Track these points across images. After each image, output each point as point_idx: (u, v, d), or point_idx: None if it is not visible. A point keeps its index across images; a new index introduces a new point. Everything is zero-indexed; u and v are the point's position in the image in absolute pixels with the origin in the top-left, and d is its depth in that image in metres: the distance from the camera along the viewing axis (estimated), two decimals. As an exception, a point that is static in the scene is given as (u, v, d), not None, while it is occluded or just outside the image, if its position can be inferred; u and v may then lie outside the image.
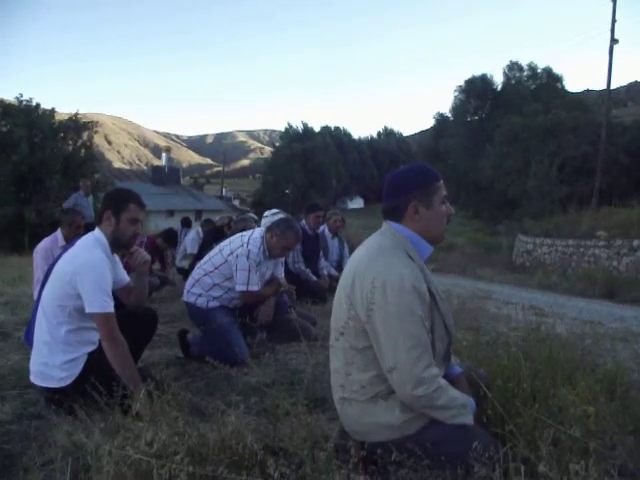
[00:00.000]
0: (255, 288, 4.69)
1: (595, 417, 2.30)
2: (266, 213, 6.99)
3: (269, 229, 4.92)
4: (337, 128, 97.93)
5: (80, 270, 3.13)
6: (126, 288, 3.64)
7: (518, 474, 1.94)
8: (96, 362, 3.16)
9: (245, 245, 4.72)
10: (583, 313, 7.03)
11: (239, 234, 5.00)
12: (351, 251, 3.00)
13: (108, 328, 3.13)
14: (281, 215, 5.95)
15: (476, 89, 51.55)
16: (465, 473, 2.04)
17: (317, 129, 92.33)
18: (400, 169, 2.50)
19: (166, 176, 58.99)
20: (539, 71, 51.32)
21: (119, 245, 3.43)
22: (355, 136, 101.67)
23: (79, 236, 3.53)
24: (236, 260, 4.66)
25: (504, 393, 2.55)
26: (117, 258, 3.57)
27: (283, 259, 5.58)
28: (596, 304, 10.18)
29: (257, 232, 4.93)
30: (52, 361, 3.16)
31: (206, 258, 4.91)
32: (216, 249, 4.91)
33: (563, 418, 2.34)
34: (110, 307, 3.15)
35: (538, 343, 3.59)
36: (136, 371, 3.19)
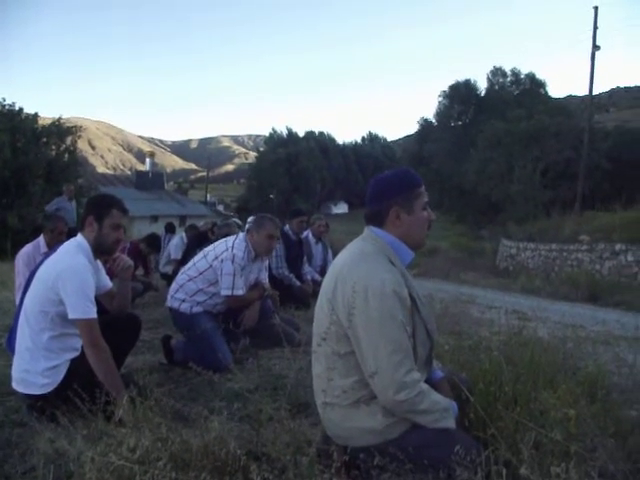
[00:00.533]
0: (240, 292, 4.69)
1: (576, 420, 2.32)
2: (250, 219, 7.00)
3: (248, 230, 4.99)
4: (321, 133, 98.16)
5: (62, 276, 3.11)
6: (109, 294, 3.63)
7: (500, 477, 1.96)
8: (78, 369, 3.14)
9: (230, 249, 4.72)
10: (566, 317, 7.09)
11: (223, 239, 5.01)
12: (335, 256, 3.01)
13: (91, 334, 3.11)
14: None
15: (460, 94, 51.86)
16: (447, 477, 2.05)
17: (301, 134, 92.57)
18: (383, 174, 2.51)
19: (150, 181, 58.80)
20: (522, 77, 51.74)
21: (102, 251, 3.42)
22: (339, 141, 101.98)
23: (61, 242, 3.51)
24: (221, 265, 4.66)
25: (486, 397, 2.56)
26: (100, 264, 3.56)
27: (267, 264, 5.58)
28: (579, 308, 10.25)
29: (241, 236, 4.94)
30: (34, 368, 3.14)
31: (190, 264, 4.90)
32: (200, 254, 4.91)
33: (544, 421, 2.35)
34: (93, 313, 3.14)
35: (520, 347, 3.61)
36: (119, 377, 3.18)
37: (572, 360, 3.90)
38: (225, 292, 4.65)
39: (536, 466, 2.03)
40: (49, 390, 3.10)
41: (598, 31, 28.29)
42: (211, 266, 4.69)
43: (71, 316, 3.09)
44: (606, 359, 4.31)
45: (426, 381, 2.31)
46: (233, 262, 4.65)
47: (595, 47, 28.20)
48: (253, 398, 2.86)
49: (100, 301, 3.48)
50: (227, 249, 4.73)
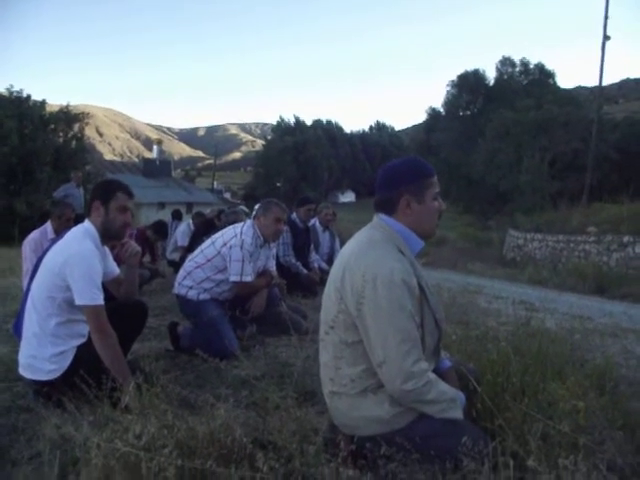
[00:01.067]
0: (249, 279, 4.69)
1: (584, 412, 2.30)
2: (257, 206, 7.00)
3: (255, 216, 4.99)
4: (329, 122, 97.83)
5: (70, 261, 3.11)
6: (116, 280, 3.62)
7: (507, 468, 1.95)
8: (85, 355, 3.15)
9: (239, 235, 4.71)
10: (573, 308, 7.07)
11: (232, 226, 5.00)
12: (342, 245, 2.99)
13: (98, 320, 3.11)
14: None
15: (468, 84, 51.65)
16: (454, 467, 2.04)
17: (309, 122, 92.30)
18: (394, 162, 2.49)
19: (157, 169, 58.83)
20: (531, 67, 51.46)
21: (110, 235, 3.41)
22: (347, 130, 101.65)
23: (69, 228, 3.51)
24: (230, 251, 4.65)
25: (493, 387, 2.55)
26: (107, 250, 3.55)
27: (274, 252, 5.57)
28: (586, 299, 10.21)
29: (248, 223, 4.94)
30: (41, 354, 3.14)
31: (198, 251, 4.89)
32: (208, 241, 4.90)
33: (552, 413, 2.34)
34: (100, 299, 3.13)
35: (528, 338, 3.59)
36: (125, 364, 3.18)
37: (580, 352, 3.89)
38: (234, 278, 4.64)
39: (544, 458, 2.02)
40: (56, 376, 3.10)
41: (609, 21, 28.09)
42: (219, 253, 4.68)
43: (78, 302, 3.09)
44: (614, 351, 4.31)
45: (434, 371, 2.30)
46: (242, 248, 4.64)
47: (606, 37, 27.98)
48: (259, 386, 2.86)
49: (107, 287, 3.48)
50: (235, 235, 4.72)
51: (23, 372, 3.22)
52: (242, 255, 4.63)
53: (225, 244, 4.69)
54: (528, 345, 3.31)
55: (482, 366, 2.82)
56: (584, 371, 3.14)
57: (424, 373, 2.15)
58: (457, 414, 2.21)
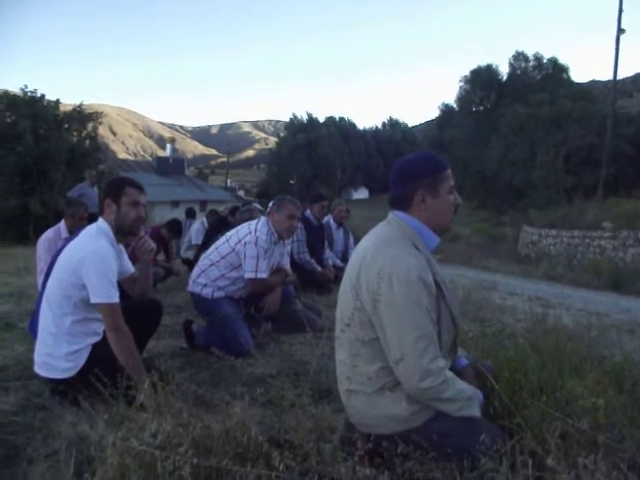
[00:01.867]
0: (263, 275, 4.68)
1: (604, 410, 2.28)
2: (270, 203, 7.00)
3: (268, 213, 4.97)
4: (342, 118, 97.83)
5: (85, 260, 3.11)
6: (131, 278, 3.63)
7: (525, 467, 1.93)
8: (100, 353, 3.15)
9: (253, 232, 4.71)
10: (589, 304, 7.02)
11: (246, 223, 4.99)
12: (356, 242, 2.98)
13: (113, 318, 3.11)
14: None
15: (481, 79, 51.48)
16: (471, 466, 2.02)
17: (322, 119, 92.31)
18: (407, 157, 2.46)
19: (171, 167, 59.06)
20: (545, 61, 51.20)
21: (124, 231, 3.40)
22: (360, 126, 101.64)
23: (83, 227, 3.51)
24: (244, 248, 4.64)
25: (511, 385, 2.53)
26: (122, 248, 3.56)
27: (289, 249, 5.56)
28: (602, 295, 10.15)
29: (263, 220, 4.93)
30: (56, 352, 3.15)
31: (212, 248, 4.89)
32: (223, 239, 4.89)
33: (571, 411, 2.32)
34: (115, 297, 3.14)
35: (544, 334, 3.57)
36: (140, 362, 3.17)
37: (597, 348, 3.86)
38: (249, 275, 4.63)
39: (562, 457, 2.00)
40: (71, 374, 3.11)
41: (623, 14, 27.86)
42: (233, 250, 4.67)
43: (93, 300, 3.09)
44: (632, 348, 4.25)
45: (451, 368, 2.28)
46: (257, 245, 4.63)
47: (620, 30, 27.77)
48: (275, 384, 2.85)
49: (122, 286, 3.49)
50: (250, 232, 4.71)
51: (39, 370, 3.23)
52: (257, 252, 4.62)
53: (239, 241, 4.69)
54: (545, 342, 3.29)
55: (499, 363, 2.79)
56: (602, 368, 3.10)
57: (441, 371, 2.13)
58: (475, 412, 2.19)
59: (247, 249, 4.63)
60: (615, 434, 2.25)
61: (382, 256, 2.20)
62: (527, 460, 1.95)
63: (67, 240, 3.64)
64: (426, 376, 2.10)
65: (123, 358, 3.07)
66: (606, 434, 2.17)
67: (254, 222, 4.91)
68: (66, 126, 25.31)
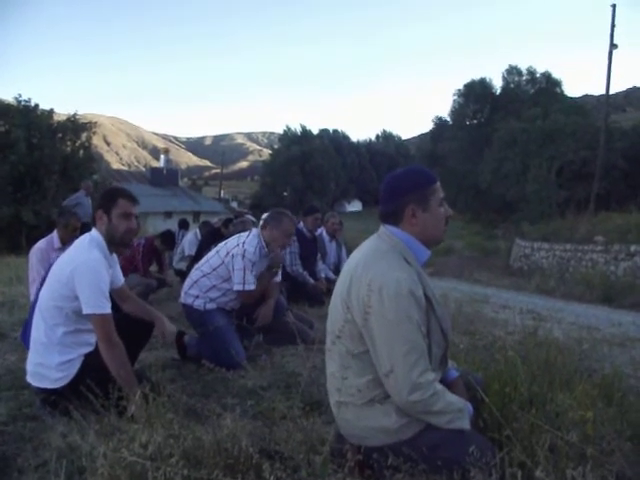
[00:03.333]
0: (251, 287, 4.68)
1: (593, 422, 2.29)
2: (264, 215, 7.01)
3: (263, 226, 4.95)
4: (335, 131, 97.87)
5: (77, 271, 3.11)
6: (120, 291, 3.63)
7: (515, 479, 1.94)
8: (92, 363, 3.15)
9: (241, 245, 4.71)
10: (580, 318, 7.05)
11: (236, 235, 5.00)
12: (349, 254, 2.99)
13: (105, 329, 3.11)
14: None
15: (475, 93, 51.66)
16: (461, 478, 2.03)
17: (315, 132, 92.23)
18: (396, 172, 2.48)
19: (164, 178, 58.94)
20: (538, 75, 51.41)
21: (115, 242, 3.40)
22: (354, 139, 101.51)
23: (75, 237, 3.52)
24: (232, 260, 4.65)
25: (501, 398, 2.54)
26: (115, 258, 3.56)
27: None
28: (593, 309, 10.18)
29: (254, 232, 4.93)
30: (48, 361, 3.14)
31: (204, 260, 4.90)
32: (213, 251, 4.91)
33: (560, 423, 2.33)
34: (107, 308, 3.14)
35: (535, 347, 3.58)
36: (132, 373, 3.18)
37: (588, 362, 3.88)
38: (237, 287, 4.64)
39: (551, 469, 2.02)
40: (63, 384, 3.11)
41: (616, 29, 28.07)
42: (223, 262, 4.69)
43: (85, 311, 3.09)
44: (622, 361, 4.28)
45: (441, 381, 2.29)
46: (244, 257, 4.63)
47: (613, 45, 27.97)
48: (266, 395, 2.87)
49: (112, 296, 3.50)
50: (238, 245, 4.72)
51: (30, 380, 3.23)
52: (243, 264, 4.62)
53: (228, 253, 4.70)
54: (536, 355, 3.30)
55: (489, 376, 2.81)
56: (592, 381, 3.12)
57: (431, 384, 2.14)
58: (464, 424, 2.20)
59: (235, 261, 4.64)
60: (604, 446, 2.26)
61: (373, 269, 2.21)
62: (516, 472, 1.96)
63: (60, 251, 3.65)
64: (416, 389, 2.11)
65: (115, 369, 3.07)
66: (595, 446, 2.18)
67: (244, 234, 4.92)
68: (60, 136, 25.28)
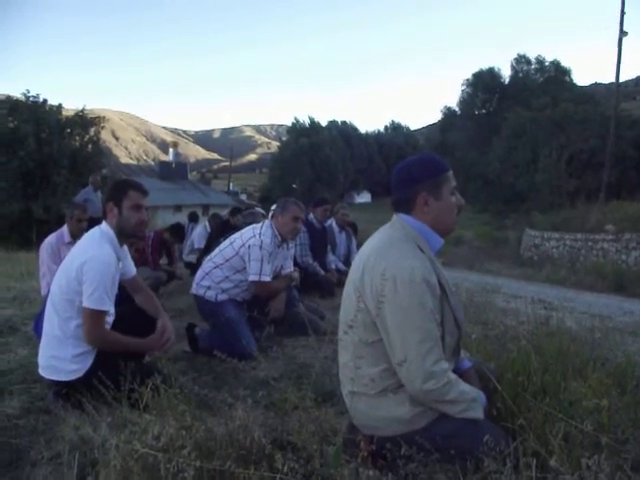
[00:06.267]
0: (267, 278, 4.69)
1: (607, 411, 2.27)
2: (273, 206, 7.00)
3: (272, 216, 5.01)
4: (344, 122, 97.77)
5: (87, 265, 3.11)
6: (132, 281, 3.63)
7: (529, 469, 1.93)
8: (104, 356, 3.16)
9: (258, 236, 4.71)
10: (592, 307, 7.00)
11: (250, 226, 5.00)
12: (359, 246, 2.98)
13: (92, 322, 3.10)
14: None
15: (484, 82, 51.52)
16: (475, 467, 2.02)
17: (324, 123, 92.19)
18: (408, 160, 2.46)
19: (173, 171, 58.98)
20: (547, 64, 51.23)
21: (126, 234, 3.41)
22: (362, 130, 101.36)
23: (83, 229, 3.52)
24: (248, 251, 4.65)
25: (514, 387, 2.52)
26: (126, 249, 3.56)
27: (292, 252, 5.56)
28: (605, 298, 10.14)
29: (267, 223, 4.95)
30: (62, 354, 3.15)
31: (216, 251, 4.90)
32: (227, 242, 4.91)
33: (574, 412, 2.31)
34: (105, 306, 3.13)
35: (547, 337, 3.56)
36: (138, 342, 3.30)
37: (600, 350, 3.85)
38: (253, 277, 4.64)
39: (566, 458, 2.00)
40: (78, 376, 3.11)
41: (625, 16, 27.83)
42: (237, 253, 4.68)
43: (84, 304, 3.08)
44: (635, 350, 4.25)
45: (454, 371, 2.27)
46: (261, 248, 4.64)
47: (622, 33, 27.73)
48: (278, 386, 2.86)
49: (124, 286, 3.51)
50: (254, 235, 4.72)
51: (43, 373, 3.23)
52: (261, 255, 4.63)
53: (244, 244, 4.70)
54: (548, 344, 3.28)
55: (502, 365, 2.80)
56: (606, 370, 3.10)
57: (444, 373, 2.13)
58: (478, 414, 2.19)
59: (251, 252, 4.63)
60: (618, 435, 2.24)
61: (386, 258, 2.20)
62: (530, 461, 1.94)
63: (72, 245, 3.65)
64: (429, 378, 2.09)
65: (122, 351, 3.12)
66: (609, 435, 2.16)
67: (258, 225, 4.92)
68: (68, 131, 25.35)
